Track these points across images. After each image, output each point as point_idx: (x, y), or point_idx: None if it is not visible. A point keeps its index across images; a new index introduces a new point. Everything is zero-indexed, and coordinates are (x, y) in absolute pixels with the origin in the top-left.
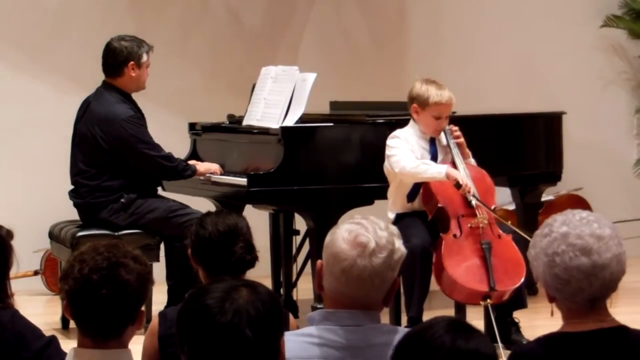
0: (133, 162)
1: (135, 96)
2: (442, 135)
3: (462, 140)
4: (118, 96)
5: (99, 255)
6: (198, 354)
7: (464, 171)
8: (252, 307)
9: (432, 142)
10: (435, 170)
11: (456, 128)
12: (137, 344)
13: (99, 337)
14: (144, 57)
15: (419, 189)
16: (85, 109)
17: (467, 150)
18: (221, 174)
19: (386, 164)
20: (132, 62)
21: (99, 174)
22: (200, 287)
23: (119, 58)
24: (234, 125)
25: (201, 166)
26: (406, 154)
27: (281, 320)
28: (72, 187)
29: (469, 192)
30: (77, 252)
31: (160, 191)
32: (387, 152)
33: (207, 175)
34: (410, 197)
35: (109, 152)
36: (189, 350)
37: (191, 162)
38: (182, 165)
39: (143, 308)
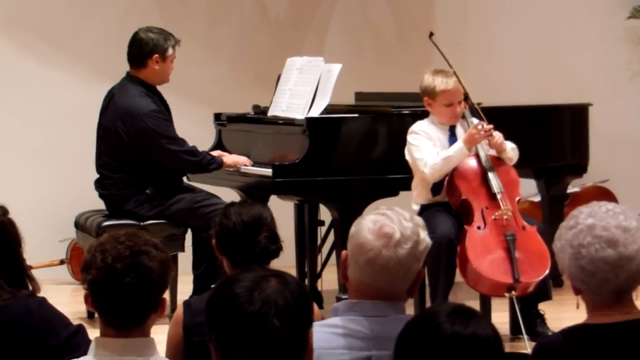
0: (156, 156)
1: (161, 87)
2: (465, 125)
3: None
4: (141, 89)
5: (120, 245)
6: (226, 343)
7: (492, 170)
8: (280, 297)
9: (452, 132)
10: (459, 154)
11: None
12: (161, 334)
13: (122, 326)
14: (170, 51)
15: (443, 183)
16: (109, 100)
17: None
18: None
19: (407, 157)
20: (156, 55)
21: (122, 167)
22: (229, 276)
23: (144, 50)
24: (259, 116)
25: (228, 158)
26: (429, 152)
27: (310, 311)
28: (97, 176)
29: (490, 129)
30: (96, 243)
31: (185, 181)
32: (410, 151)
33: (237, 166)
34: (435, 190)
35: (131, 146)
36: (216, 338)
37: (216, 152)
38: (206, 159)
39: (165, 295)
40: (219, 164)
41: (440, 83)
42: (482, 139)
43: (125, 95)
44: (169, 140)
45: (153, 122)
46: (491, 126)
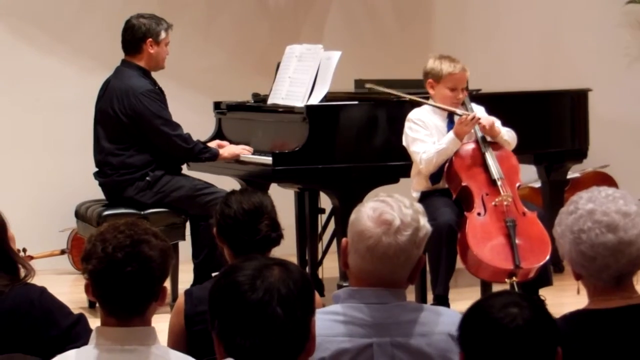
0: (150, 136)
1: (160, 75)
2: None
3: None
4: (137, 72)
5: (120, 234)
6: (228, 331)
7: (491, 156)
8: (283, 286)
9: (451, 119)
10: (452, 144)
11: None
12: (163, 322)
13: (123, 315)
14: (163, 34)
15: (442, 172)
16: (106, 87)
17: (497, 129)
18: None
19: (405, 143)
20: (150, 39)
21: (123, 150)
22: (232, 265)
23: (137, 35)
24: (259, 104)
25: (225, 151)
26: (424, 145)
27: (312, 300)
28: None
29: (473, 118)
30: (97, 232)
31: (185, 170)
32: (407, 142)
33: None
34: (434, 179)
35: (129, 126)
36: (219, 325)
37: (216, 143)
38: (199, 148)
39: (165, 284)
40: (213, 155)
41: (447, 66)
42: (471, 127)
43: (122, 77)
44: (163, 121)
45: (149, 102)
46: (474, 114)
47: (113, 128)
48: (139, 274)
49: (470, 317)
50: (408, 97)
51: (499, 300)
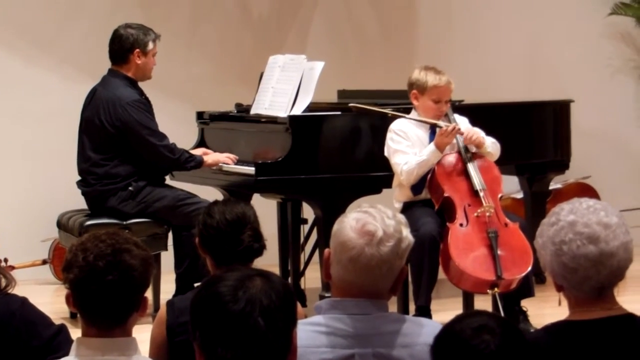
0: (136, 147)
1: (143, 84)
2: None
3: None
4: (125, 81)
5: (101, 243)
6: (210, 342)
7: (473, 167)
8: (265, 297)
9: (433, 130)
10: (432, 156)
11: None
12: (144, 333)
13: (104, 326)
14: (150, 45)
15: (424, 183)
16: (92, 96)
17: (481, 140)
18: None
19: (386, 154)
20: (138, 50)
21: (107, 160)
22: (214, 275)
23: (125, 45)
24: (242, 114)
25: (209, 158)
26: (405, 156)
27: (294, 311)
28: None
29: (454, 129)
30: (77, 242)
31: (168, 180)
32: (388, 153)
33: (219, 165)
34: (416, 190)
35: (115, 136)
36: (200, 337)
37: (200, 151)
38: (184, 157)
39: (147, 294)
40: (198, 162)
41: (432, 79)
42: (451, 138)
43: (109, 87)
44: (149, 131)
45: (135, 112)
46: (454, 124)
47: (98, 138)
48: (120, 282)
49: (442, 342)
50: (390, 113)
51: (471, 324)
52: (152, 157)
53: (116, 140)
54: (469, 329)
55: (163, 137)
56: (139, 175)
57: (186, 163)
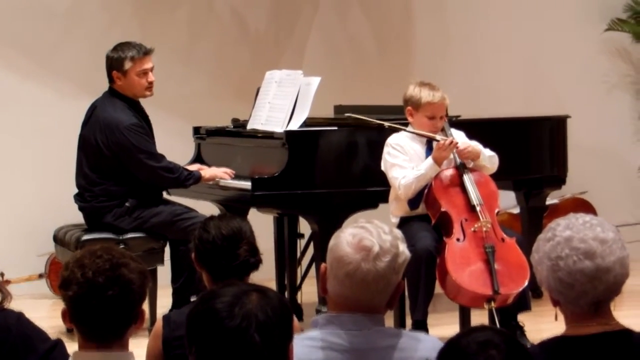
0: (134, 170)
1: (140, 100)
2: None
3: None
4: (123, 103)
5: (98, 259)
6: (206, 357)
7: (470, 182)
8: (261, 313)
9: (430, 145)
10: (430, 170)
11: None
12: (141, 347)
13: (102, 340)
14: (127, 64)
15: (421, 197)
16: (91, 113)
17: (477, 152)
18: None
19: (383, 168)
20: (115, 72)
21: (103, 179)
22: (210, 291)
23: (107, 67)
24: (239, 129)
25: (207, 172)
26: (402, 171)
27: (290, 326)
28: (76, 190)
29: (451, 143)
30: (72, 259)
31: (165, 195)
32: (386, 168)
33: (216, 179)
34: (413, 204)
35: (111, 159)
36: (196, 352)
37: (196, 166)
38: (183, 176)
39: (143, 308)
40: (196, 179)
41: (426, 95)
42: (449, 152)
43: (108, 108)
44: (147, 155)
45: (132, 136)
46: (451, 138)
47: (94, 157)
48: (119, 297)
49: (447, 357)
50: (387, 124)
51: (476, 339)
52: (151, 179)
53: (112, 163)
54: (474, 344)
55: (161, 158)
56: (135, 193)
57: (186, 181)
